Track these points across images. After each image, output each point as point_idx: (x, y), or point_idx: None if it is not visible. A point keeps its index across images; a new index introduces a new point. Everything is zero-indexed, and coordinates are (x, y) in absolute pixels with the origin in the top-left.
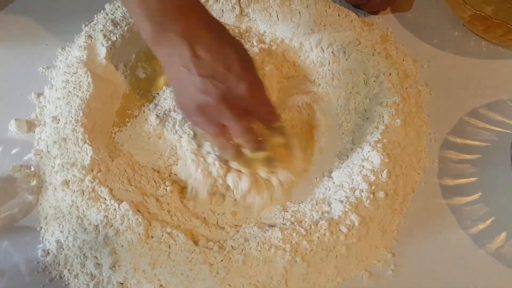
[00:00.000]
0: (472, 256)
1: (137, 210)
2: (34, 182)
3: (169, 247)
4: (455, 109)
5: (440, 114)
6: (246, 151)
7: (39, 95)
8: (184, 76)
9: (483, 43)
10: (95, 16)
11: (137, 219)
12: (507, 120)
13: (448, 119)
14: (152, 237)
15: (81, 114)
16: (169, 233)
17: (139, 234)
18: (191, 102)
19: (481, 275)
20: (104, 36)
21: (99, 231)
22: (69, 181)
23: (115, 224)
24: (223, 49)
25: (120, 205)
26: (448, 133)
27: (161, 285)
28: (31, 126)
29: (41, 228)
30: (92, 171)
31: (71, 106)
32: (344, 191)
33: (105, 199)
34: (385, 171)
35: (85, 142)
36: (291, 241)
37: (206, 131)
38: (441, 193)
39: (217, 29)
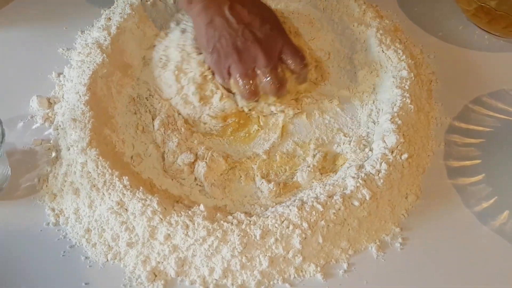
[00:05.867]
0: (476, 232)
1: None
2: (53, 155)
3: (187, 227)
4: (460, 97)
5: (445, 101)
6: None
7: (59, 74)
8: (220, 23)
9: (486, 36)
10: (115, 0)
11: (152, 199)
12: (509, 108)
13: (453, 106)
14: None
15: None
16: (187, 213)
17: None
18: (228, 45)
19: (484, 251)
20: (122, 18)
21: (114, 209)
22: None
23: (129, 206)
24: (258, 8)
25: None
26: (453, 118)
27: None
28: (51, 103)
29: (61, 197)
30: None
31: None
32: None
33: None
34: (399, 150)
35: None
36: (309, 219)
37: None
38: (447, 173)
39: None
